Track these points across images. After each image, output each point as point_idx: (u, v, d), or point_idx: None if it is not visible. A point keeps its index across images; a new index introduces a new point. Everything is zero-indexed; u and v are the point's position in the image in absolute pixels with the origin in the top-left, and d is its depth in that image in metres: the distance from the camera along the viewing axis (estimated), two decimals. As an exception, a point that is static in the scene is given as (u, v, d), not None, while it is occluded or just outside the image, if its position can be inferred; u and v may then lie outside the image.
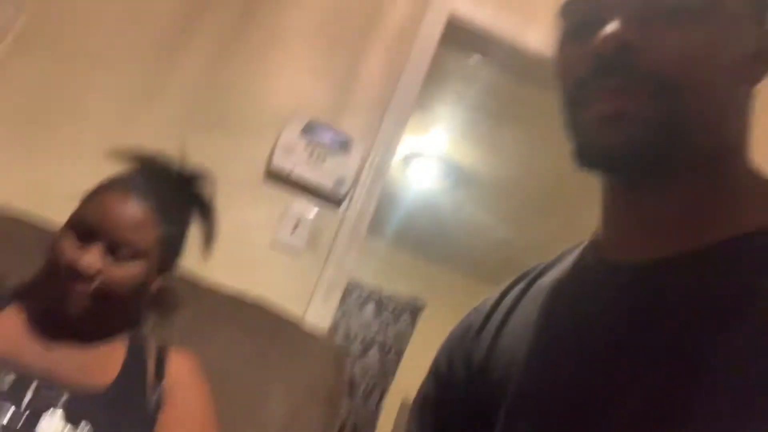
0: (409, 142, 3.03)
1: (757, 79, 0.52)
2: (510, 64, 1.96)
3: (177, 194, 1.02)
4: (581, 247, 0.61)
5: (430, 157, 3.11)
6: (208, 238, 1.08)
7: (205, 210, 1.08)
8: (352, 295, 4.17)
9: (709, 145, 0.50)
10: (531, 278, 0.64)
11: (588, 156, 0.52)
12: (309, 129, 1.57)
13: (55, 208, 0.97)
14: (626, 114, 0.48)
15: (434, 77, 2.55)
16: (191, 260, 1.33)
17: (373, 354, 4.15)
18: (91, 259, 0.88)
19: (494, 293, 0.67)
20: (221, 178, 1.52)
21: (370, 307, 4.19)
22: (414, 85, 1.70)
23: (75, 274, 0.87)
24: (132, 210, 0.92)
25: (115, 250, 0.90)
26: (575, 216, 2.86)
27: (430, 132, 2.97)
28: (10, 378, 0.78)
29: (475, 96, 2.62)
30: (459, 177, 3.18)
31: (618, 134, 0.49)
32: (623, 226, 0.55)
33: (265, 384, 1.12)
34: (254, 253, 1.50)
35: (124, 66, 1.54)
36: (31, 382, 0.79)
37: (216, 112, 1.56)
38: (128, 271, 0.92)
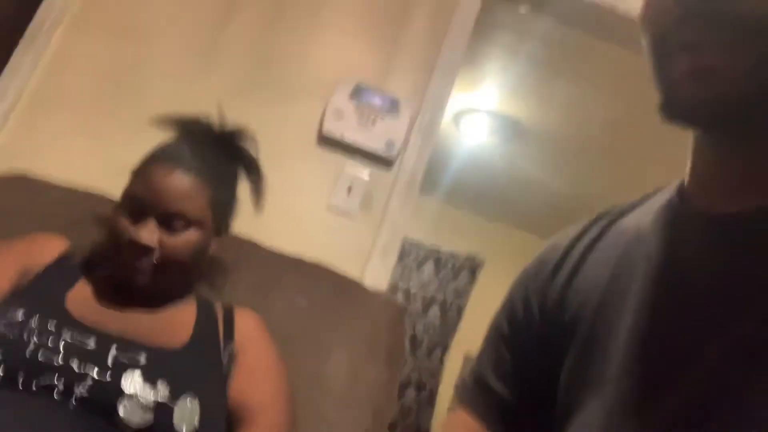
0: (459, 98, 3.00)
1: None
2: (562, 13, 1.91)
3: (221, 154, 1.05)
4: (666, 194, 0.59)
5: (482, 112, 3.08)
6: (258, 192, 1.10)
7: (251, 165, 1.10)
8: (410, 254, 4.21)
9: None
10: (610, 219, 0.64)
11: (675, 111, 0.50)
12: (357, 93, 1.58)
13: (121, 185, 1.02)
14: (714, 69, 0.45)
15: (482, 31, 2.51)
16: (250, 225, 1.39)
17: (434, 312, 4.21)
18: (148, 234, 0.92)
19: (571, 231, 0.66)
20: (274, 145, 1.57)
21: (428, 266, 4.23)
22: (461, 42, 1.68)
23: (136, 250, 0.92)
24: (179, 181, 0.95)
25: (168, 222, 0.94)
26: (631, 167, 2.81)
27: (480, 87, 2.93)
28: (91, 341, 0.84)
29: (526, 48, 2.57)
30: (512, 131, 3.14)
31: (706, 90, 0.46)
32: (716, 178, 0.52)
33: (327, 343, 1.17)
34: (310, 216, 1.54)
35: (177, 43, 1.59)
36: (111, 345, 0.84)
37: (267, 81, 1.60)
38: (185, 240, 0.95)
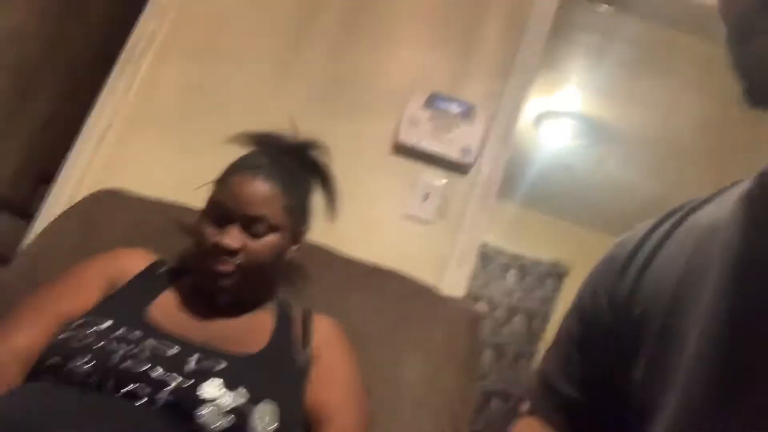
0: (541, 101, 2.94)
1: None
2: (644, 8, 1.85)
3: (296, 164, 1.10)
4: (745, 186, 0.56)
5: (564, 115, 3.00)
6: (332, 200, 1.15)
7: (324, 174, 1.15)
8: (493, 262, 4.16)
9: None
10: (683, 214, 0.61)
11: (761, 94, 0.47)
12: (431, 101, 1.59)
13: (205, 196, 1.08)
14: None
15: (561, 32, 2.45)
16: (327, 234, 1.42)
17: (519, 320, 4.13)
18: (232, 238, 0.98)
19: (641, 228, 0.65)
20: (351, 156, 1.60)
21: (512, 274, 4.16)
22: (537, 45, 1.65)
23: (220, 253, 0.97)
24: (260, 187, 1.01)
25: (250, 226, 0.99)
26: (725, 167, 2.64)
27: (562, 89, 2.87)
28: (174, 350, 0.88)
29: (608, 47, 2.48)
30: (596, 133, 3.04)
31: None
32: None
33: (402, 349, 1.18)
34: (386, 225, 1.56)
35: (257, 60, 1.66)
36: (193, 354, 0.88)
37: (343, 94, 1.64)
38: (266, 244, 1.00)
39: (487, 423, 4.05)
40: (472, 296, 4.10)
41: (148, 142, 1.59)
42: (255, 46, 1.67)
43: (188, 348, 0.89)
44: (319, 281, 1.28)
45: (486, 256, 4.15)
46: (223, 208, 1.00)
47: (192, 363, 0.86)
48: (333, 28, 1.68)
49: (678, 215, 0.62)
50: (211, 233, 0.98)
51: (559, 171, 3.49)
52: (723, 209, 0.56)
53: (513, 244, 4.18)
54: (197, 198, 1.12)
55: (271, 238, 1.01)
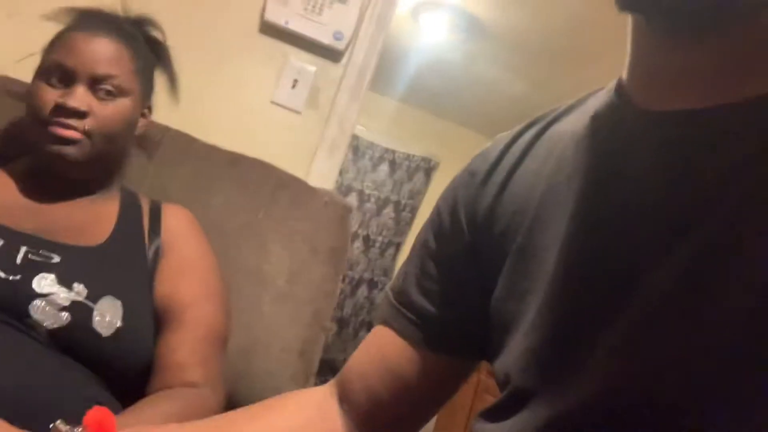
0: (418, -9, 2.86)
1: None
2: None
3: (137, 34, 1.00)
4: (604, 94, 0.55)
5: (441, 6, 2.94)
6: (172, 81, 1.06)
7: (162, 52, 1.06)
8: (365, 155, 4.16)
9: None
10: (544, 124, 0.59)
11: None
12: (303, -23, 1.47)
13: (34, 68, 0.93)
14: None
15: None
16: (188, 119, 1.31)
17: (388, 212, 4.22)
18: (77, 98, 0.86)
19: (502, 138, 0.62)
20: (213, 33, 1.47)
21: (384, 167, 4.20)
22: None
23: (66, 115, 0.85)
24: (107, 45, 0.91)
25: (97, 88, 0.89)
26: (594, 69, 2.75)
27: (441, -20, 2.79)
28: None
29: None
30: (472, 29, 3.02)
31: None
32: (661, 73, 0.48)
33: (266, 242, 1.14)
34: (253, 111, 1.47)
35: None
36: (19, 248, 0.78)
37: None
38: (116, 109, 0.90)
39: (354, 309, 4.21)
40: (344, 189, 4.12)
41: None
42: None
43: (15, 238, 0.79)
44: (178, 170, 1.19)
45: (358, 149, 4.14)
46: (63, 69, 0.88)
47: (20, 255, 0.77)
48: None
49: (539, 125, 0.60)
50: (52, 95, 0.86)
51: (434, 66, 3.47)
52: (582, 119, 0.55)
53: (385, 138, 4.19)
54: (24, 70, 0.97)
55: (121, 102, 0.91)
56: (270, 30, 1.47)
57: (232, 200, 1.17)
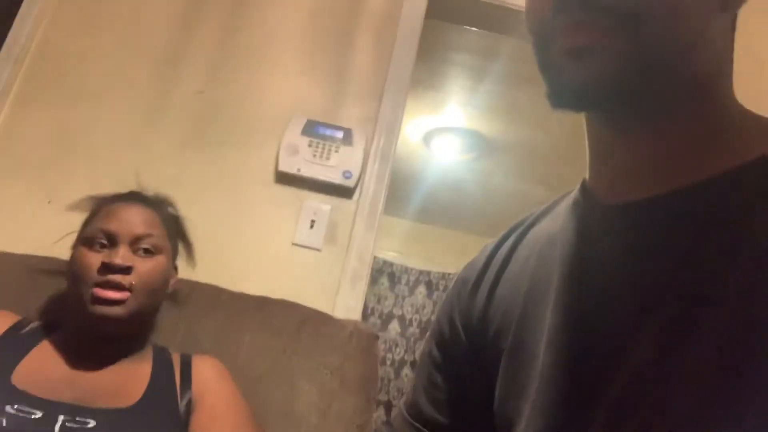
0: (428, 120, 3.04)
1: (731, 6, 0.49)
2: (509, 27, 1.94)
3: (161, 206, 1.13)
4: (572, 194, 0.60)
5: (450, 131, 3.11)
6: (189, 249, 1.19)
7: (180, 224, 1.18)
8: (401, 280, 4.20)
9: (689, 76, 0.48)
10: (524, 228, 0.64)
11: (560, 97, 0.50)
12: (309, 127, 1.60)
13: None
14: (591, 48, 0.46)
15: (437, 54, 2.55)
16: (217, 271, 1.39)
17: (432, 334, 4.18)
18: (123, 254, 0.96)
19: (489, 245, 0.66)
20: (234, 188, 1.59)
21: (421, 289, 4.22)
22: (406, 66, 1.71)
23: (112, 272, 0.94)
24: (142, 210, 1.04)
25: (137, 246, 0.99)
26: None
27: (446, 108, 2.97)
28: (37, 416, 0.83)
29: (481, 65, 2.60)
30: (483, 147, 3.17)
31: (585, 70, 0.46)
32: (612, 167, 0.53)
33: (294, 380, 1.17)
34: (276, 255, 1.55)
35: (125, 99, 1.61)
36: (57, 418, 0.83)
37: (217, 128, 1.62)
38: (155, 264, 1.00)
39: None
40: (385, 317, 4.12)
41: (10, 196, 1.50)
42: (122, 82, 1.62)
43: (54, 409, 0.84)
44: (205, 320, 1.25)
45: (394, 276, 4.19)
46: (106, 233, 0.98)
47: (58, 425, 0.82)
48: (204, 57, 1.66)
49: (519, 230, 0.65)
50: (96, 257, 0.96)
51: (453, 185, 3.60)
52: (557, 220, 0.60)
53: (418, 260, 4.24)
54: (67, 249, 1.08)
55: (158, 259, 1.01)
56: (284, 178, 1.59)
57: (259, 343, 1.21)
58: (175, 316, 1.24)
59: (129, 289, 0.95)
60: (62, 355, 0.96)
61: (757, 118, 0.51)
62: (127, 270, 0.96)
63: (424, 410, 0.64)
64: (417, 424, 0.64)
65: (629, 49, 0.46)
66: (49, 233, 1.20)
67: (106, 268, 0.94)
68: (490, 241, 0.67)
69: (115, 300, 0.94)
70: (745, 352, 0.40)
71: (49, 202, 1.47)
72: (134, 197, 1.08)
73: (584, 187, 0.58)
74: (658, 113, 0.49)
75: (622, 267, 0.50)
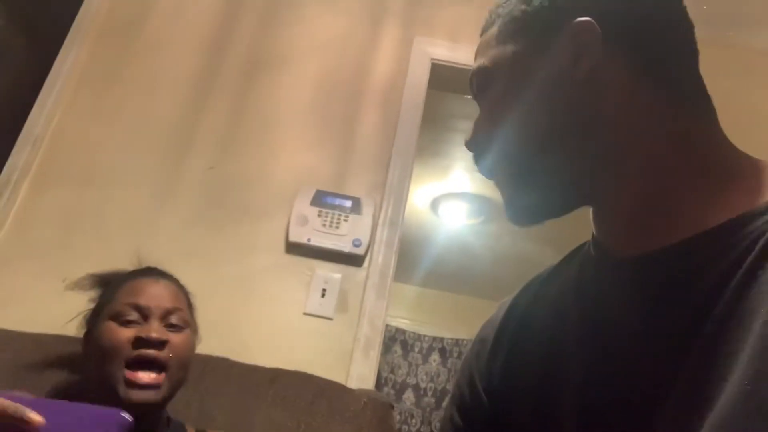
0: (435, 186, 3.08)
1: (591, 70, 0.53)
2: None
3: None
4: (583, 249, 0.61)
5: (457, 196, 3.14)
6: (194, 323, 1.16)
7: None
8: (414, 348, 4.15)
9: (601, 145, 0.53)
10: (539, 283, 0.64)
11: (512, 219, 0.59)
12: (318, 198, 1.63)
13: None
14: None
15: (440, 124, 2.62)
16: (230, 344, 1.39)
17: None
18: (158, 328, 0.95)
19: (505, 303, 0.66)
20: (245, 259, 1.60)
21: (435, 356, 4.16)
22: (411, 135, 1.75)
23: (148, 346, 0.92)
24: (170, 285, 1.04)
25: (168, 320, 0.98)
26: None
27: (452, 174, 3.02)
28: None
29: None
30: (490, 211, 3.19)
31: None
32: (607, 229, 0.56)
33: (310, 451, 1.14)
34: (288, 325, 1.54)
35: (136, 179, 1.65)
36: None
37: (228, 202, 1.65)
38: (186, 337, 1.00)
39: None
40: (399, 386, 4.05)
41: (25, 275, 1.52)
42: (133, 168, 1.66)
43: None
44: (218, 395, 1.24)
45: (406, 344, 4.14)
46: (138, 307, 0.97)
47: None
48: (214, 135, 1.72)
49: (536, 285, 0.65)
50: (128, 332, 0.94)
51: (462, 250, 3.60)
52: (571, 274, 0.61)
53: (431, 327, 4.20)
54: (81, 329, 1.08)
55: (187, 333, 1.01)
56: (295, 249, 1.61)
57: (273, 418, 1.20)
58: (188, 391, 1.23)
59: (165, 365, 0.93)
60: None
61: (755, 162, 0.52)
62: (162, 344, 0.94)
63: None
64: None
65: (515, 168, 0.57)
66: (62, 313, 1.21)
67: (142, 342, 0.93)
68: (506, 299, 0.67)
69: (151, 385, 0.92)
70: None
71: (63, 281, 1.48)
72: (154, 272, 1.07)
73: (596, 243, 0.59)
74: (617, 182, 0.53)
75: (634, 322, 0.50)
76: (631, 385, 0.48)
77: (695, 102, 0.54)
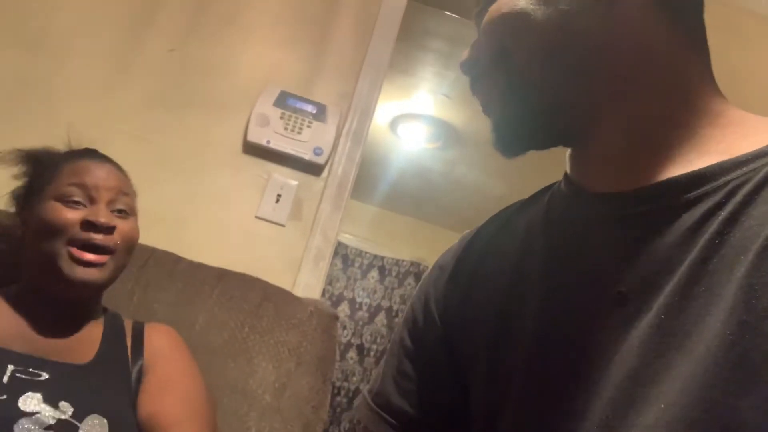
0: (396, 105, 3.01)
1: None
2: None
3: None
4: (553, 187, 0.60)
5: (419, 118, 3.09)
6: None
7: None
8: (354, 263, 4.19)
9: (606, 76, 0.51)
10: (505, 217, 0.63)
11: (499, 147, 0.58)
12: (282, 100, 1.56)
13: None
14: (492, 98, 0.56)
15: (412, 38, 2.53)
16: (176, 239, 1.35)
17: (380, 319, 4.19)
18: (106, 213, 0.90)
19: (467, 234, 0.65)
20: (200, 155, 1.53)
21: (373, 274, 4.22)
22: (386, 47, 1.68)
23: (96, 230, 0.88)
24: (115, 170, 0.98)
25: (114, 206, 0.93)
26: (561, 164, 2.86)
27: (416, 94, 2.95)
28: None
29: (457, 54, 2.59)
30: (448, 137, 3.16)
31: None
32: (589, 166, 0.55)
33: (252, 357, 1.14)
34: (239, 227, 1.51)
35: (91, 51, 1.53)
36: (6, 367, 0.78)
37: (187, 90, 1.56)
38: (132, 224, 0.96)
39: (353, 423, 4.07)
40: (335, 298, 4.11)
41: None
42: (89, 34, 1.53)
43: (2, 359, 0.79)
44: (162, 289, 1.21)
45: (347, 258, 4.18)
46: (84, 188, 0.91)
47: (7, 373, 0.77)
48: (178, 16, 1.59)
49: (499, 221, 0.64)
50: (75, 214, 0.88)
51: (416, 173, 3.59)
52: (539, 211, 0.59)
53: (373, 245, 4.24)
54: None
55: (133, 220, 0.97)
56: (252, 150, 1.54)
57: (217, 316, 1.18)
58: (129, 281, 1.19)
59: (112, 250, 0.90)
60: (14, 310, 0.90)
61: (742, 113, 0.51)
62: (110, 230, 0.90)
63: (393, 400, 0.62)
64: (384, 414, 0.62)
65: (508, 83, 0.54)
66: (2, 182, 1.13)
67: (89, 225, 0.88)
68: (468, 231, 0.67)
69: (97, 263, 0.88)
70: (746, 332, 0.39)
71: None
72: (97, 155, 1.00)
73: (568, 179, 0.58)
74: (595, 119, 0.52)
75: (609, 254, 0.50)
76: (581, 310, 0.49)
77: (702, 49, 0.53)
